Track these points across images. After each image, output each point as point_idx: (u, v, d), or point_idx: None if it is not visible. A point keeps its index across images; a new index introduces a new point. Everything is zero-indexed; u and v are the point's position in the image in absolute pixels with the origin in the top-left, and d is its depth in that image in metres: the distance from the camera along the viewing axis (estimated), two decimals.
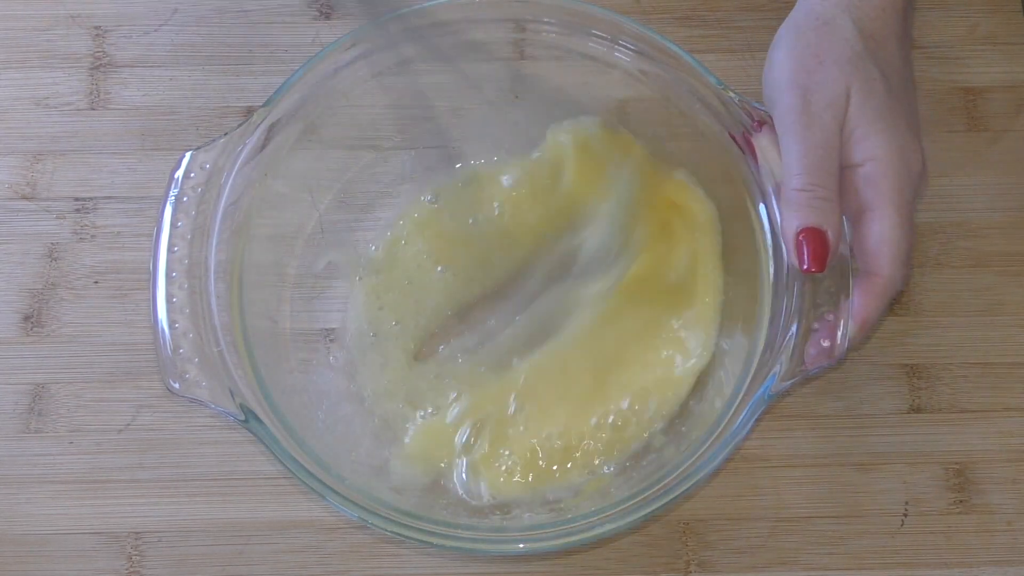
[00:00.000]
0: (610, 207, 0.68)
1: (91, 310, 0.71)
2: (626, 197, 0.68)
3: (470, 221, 0.70)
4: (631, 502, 0.59)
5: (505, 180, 0.70)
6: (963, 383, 0.69)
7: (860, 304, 0.60)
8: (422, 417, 0.66)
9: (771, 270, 0.63)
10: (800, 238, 0.59)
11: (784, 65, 0.61)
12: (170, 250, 0.61)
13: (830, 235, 0.59)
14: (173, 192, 0.62)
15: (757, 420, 0.59)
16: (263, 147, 0.64)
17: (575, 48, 0.68)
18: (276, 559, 0.66)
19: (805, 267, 0.59)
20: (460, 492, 0.64)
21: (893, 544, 0.66)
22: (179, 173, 0.62)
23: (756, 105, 0.64)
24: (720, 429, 0.60)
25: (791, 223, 0.59)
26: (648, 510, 0.58)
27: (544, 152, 0.70)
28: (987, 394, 0.69)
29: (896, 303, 0.70)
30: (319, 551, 0.66)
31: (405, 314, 0.68)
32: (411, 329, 0.68)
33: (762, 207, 0.63)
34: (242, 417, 0.59)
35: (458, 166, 0.71)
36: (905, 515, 0.67)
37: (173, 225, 0.62)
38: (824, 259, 0.59)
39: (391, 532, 0.58)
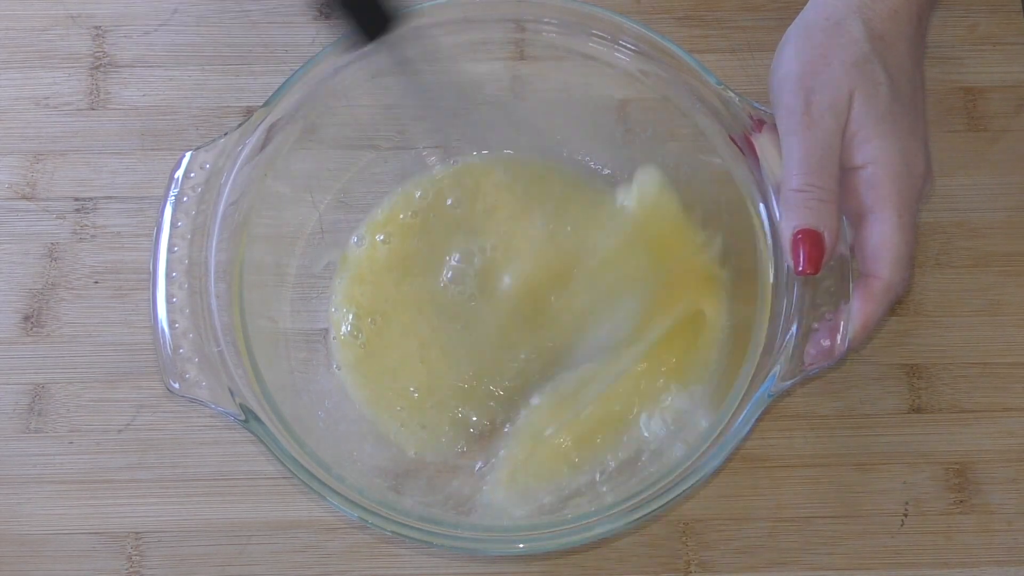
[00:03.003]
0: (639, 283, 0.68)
1: (91, 310, 0.71)
2: (659, 278, 0.68)
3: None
4: (631, 502, 0.59)
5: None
6: (963, 383, 0.69)
7: (859, 306, 0.59)
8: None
9: (771, 270, 0.63)
10: (796, 239, 0.59)
11: (791, 65, 0.61)
12: (170, 250, 0.61)
13: (827, 237, 0.59)
14: (173, 192, 0.62)
15: (757, 420, 0.59)
16: (263, 147, 0.64)
17: (575, 48, 0.68)
18: (276, 559, 0.66)
19: (800, 269, 0.59)
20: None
21: (893, 544, 0.66)
22: (179, 173, 0.62)
23: (756, 105, 0.64)
24: (720, 429, 0.60)
25: (788, 224, 0.59)
26: (648, 510, 0.58)
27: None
28: (987, 394, 0.69)
29: (897, 304, 0.70)
30: (319, 551, 0.66)
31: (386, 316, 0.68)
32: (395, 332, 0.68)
33: (762, 207, 0.63)
34: (242, 417, 0.59)
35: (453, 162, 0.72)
36: (905, 515, 0.67)
37: (173, 225, 0.62)
38: (819, 261, 0.59)
39: (391, 532, 0.58)
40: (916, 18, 0.63)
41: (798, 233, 0.59)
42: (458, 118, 0.72)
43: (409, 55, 0.66)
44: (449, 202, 0.70)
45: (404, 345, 0.68)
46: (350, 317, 0.68)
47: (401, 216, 0.70)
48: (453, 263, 0.69)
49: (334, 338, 0.68)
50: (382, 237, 0.70)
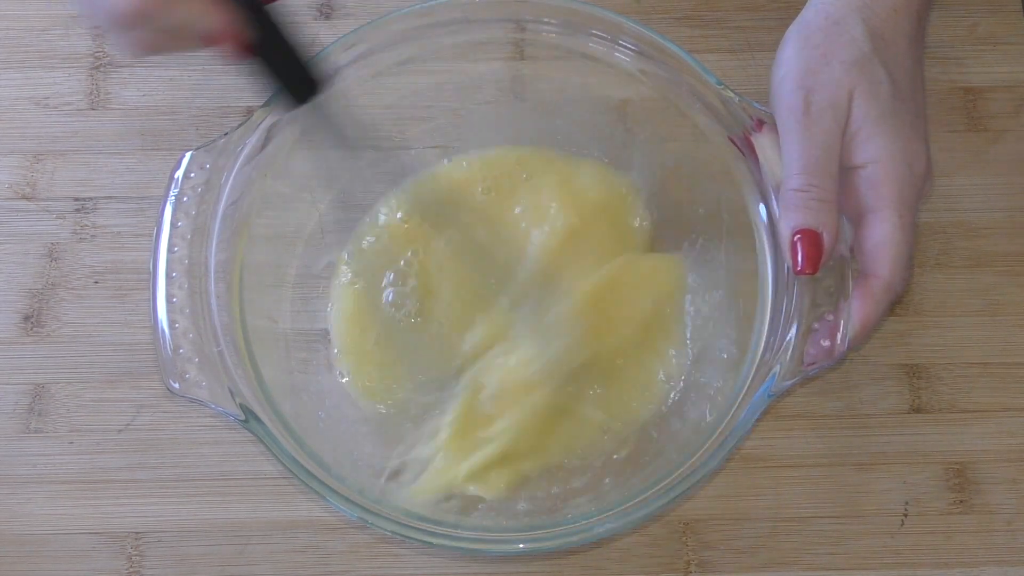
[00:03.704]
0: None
1: (91, 310, 0.71)
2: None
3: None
4: (631, 502, 0.59)
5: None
6: (963, 383, 0.69)
7: (859, 305, 0.59)
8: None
9: (771, 270, 0.63)
10: (795, 239, 0.59)
11: (790, 64, 0.61)
12: (170, 250, 0.61)
13: (826, 237, 0.59)
14: (173, 192, 0.62)
15: (757, 420, 0.59)
16: (263, 147, 0.64)
17: (575, 48, 0.68)
18: (276, 559, 0.66)
19: (799, 269, 0.59)
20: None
21: (893, 544, 0.66)
22: (179, 173, 0.62)
23: (756, 105, 0.64)
24: (720, 429, 0.59)
25: (787, 224, 0.59)
26: (648, 510, 0.58)
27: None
28: (987, 394, 0.69)
29: (897, 303, 0.70)
30: (319, 551, 0.66)
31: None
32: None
33: (762, 207, 0.63)
34: (242, 417, 0.59)
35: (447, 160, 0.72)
36: (905, 515, 0.67)
37: (173, 225, 0.62)
38: (818, 261, 0.59)
39: (391, 532, 0.58)
40: (916, 16, 0.63)
41: (797, 233, 0.59)
42: (458, 118, 0.72)
43: (408, 55, 0.66)
44: (399, 216, 0.70)
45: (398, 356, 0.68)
46: (357, 376, 0.68)
47: (364, 244, 0.70)
48: (390, 284, 0.69)
49: (341, 378, 0.68)
50: (349, 276, 0.69)
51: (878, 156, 0.60)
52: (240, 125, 0.64)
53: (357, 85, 0.67)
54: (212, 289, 0.62)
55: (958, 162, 0.73)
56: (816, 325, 0.60)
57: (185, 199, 0.62)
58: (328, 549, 0.66)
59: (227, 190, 0.63)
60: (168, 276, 0.61)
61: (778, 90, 0.61)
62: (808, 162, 0.59)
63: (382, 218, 0.71)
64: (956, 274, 0.71)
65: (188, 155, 0.63)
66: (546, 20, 0.67)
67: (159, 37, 0.58)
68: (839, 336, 0.59)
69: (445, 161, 0.72)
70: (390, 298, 0.69)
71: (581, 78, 0.69)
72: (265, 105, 0.64)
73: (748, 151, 0.63)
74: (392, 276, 0.69)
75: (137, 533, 0.66)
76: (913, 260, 0.63)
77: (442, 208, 0.71)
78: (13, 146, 0.74)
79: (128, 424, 0.68)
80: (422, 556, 0.66)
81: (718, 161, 0.65)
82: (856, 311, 0.59)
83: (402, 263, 0.69)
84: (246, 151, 0.64)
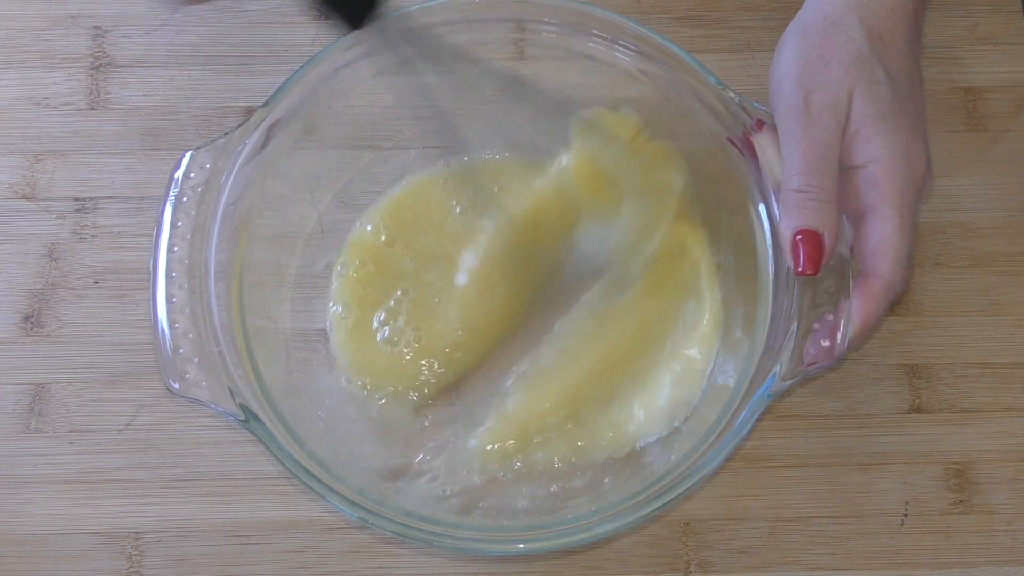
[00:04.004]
0: (626, 211, 0.68)
1: (91, 310, 0.71)
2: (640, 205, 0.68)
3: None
4: (631, 502, 0.59)
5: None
6: (963, 383, 0.69)
7: (859, 305, 0.60)
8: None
9: (771, 270, 0.63)
10: (796, 240, 0.59)
11: (789, 65, 0.61)
12: (170, 250, 0.61)
13: (826, 238, 0.59)
14: (173, 192, 0.62)
15: (757, 420, 0.59)
16: (263, 147, 0.64)
17: (575, 48, 0.68)
18: (276, 559, 0.66)
19: (800, 270, 0.59)
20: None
21: (893, 544, 0.66)
22: (179, 173, 0.63)
23: (756, 105, 0.64)
24: (720, 429, 0.60)
25: (788, 224, 0.60)
26: (648, 510, 0.58)
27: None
28: (987, 394, 0.69)
29: (897, 303, 0.70)
30: (319, 551, 0.66)
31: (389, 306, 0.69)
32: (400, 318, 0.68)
33: (762, 207, 0.63)
34: (242, 417, 0.59)
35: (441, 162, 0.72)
36: (905, 515, 0.67)
37: (173, 225, 0.62)
38: (818, 262, 0.59)
39: (391, 532, 0.58)
40: (912, 16, 0.63)
41: (798, 234, 0.59)
42: (458, 118, 0.72)
43: (409, 54, 0.66)
44: (383, 239, 0.70)
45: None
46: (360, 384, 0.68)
47: (353, 273, 0.69)
48: (383, 323, 0.68)
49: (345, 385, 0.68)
50: (340, 309, 0.68)
51: (878, 156, 0.60)
52: (240, 125, 0.64)
53: (357, 85, 0.68)
54: (212, 289, 0.62)
55: (958, 162, 0.73)
56: (816, 325, 0.60)
57: (185, 199, 0.62)
58: (328, 549, 0.66)
59: (227, 190, 0.63)
60: (168, 276, 0.61)
61: (777, 91, 0.61)
62: (808, 162, 0.59)
63: (370, 236, 0.70)
64: (956, 274, 0.71)
65: (188, 155, 0.63)
66: (546, 20, 0.67)
67: None
68: (839, 336, 0.59)
69: (441, 163, 0.72)
70: (385, 335, 0.68)
71: (581, 78, 0.69)
72: (265, 105, 0.64)
73: (748, 151, 0.63)
74: (383, 315, 0.68)
75: (137, 533, 0.66)
76: (913, 260, 0.63)
77: (434, 217, 0.70)
78: (13, 146, 0.74)
79: (128, 424, 0.68)
80: (422, 556, 0.66)
81: (718, 161, 0.65)
82: (856, 311, 0.60)
83: (392, 303, 0.68)
84: (246, 151, 0.64)
